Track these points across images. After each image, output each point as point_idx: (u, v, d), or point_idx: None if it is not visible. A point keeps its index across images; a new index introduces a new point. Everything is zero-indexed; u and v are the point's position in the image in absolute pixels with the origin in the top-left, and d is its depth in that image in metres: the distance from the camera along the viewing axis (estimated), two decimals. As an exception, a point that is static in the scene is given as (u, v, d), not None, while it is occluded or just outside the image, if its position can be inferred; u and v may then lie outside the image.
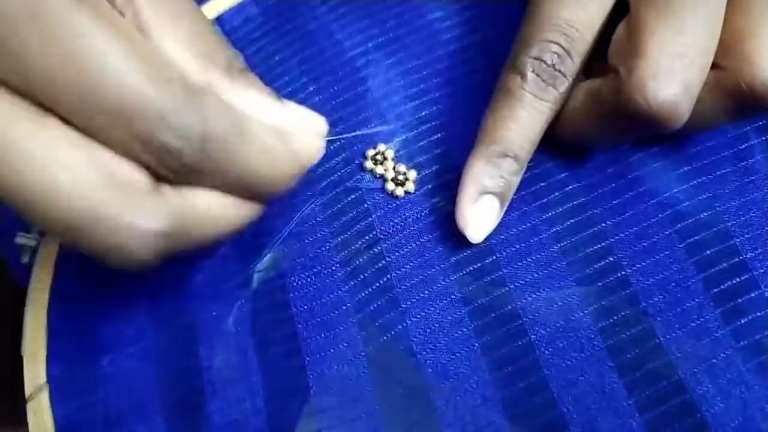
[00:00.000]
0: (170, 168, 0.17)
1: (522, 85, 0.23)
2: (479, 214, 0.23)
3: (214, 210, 0.19)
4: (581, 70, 0.23)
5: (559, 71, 0.22)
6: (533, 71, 0.22)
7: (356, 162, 0.26)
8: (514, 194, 0.24)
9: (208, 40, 0.19)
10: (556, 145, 0.25)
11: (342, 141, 0.26)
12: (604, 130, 0.23)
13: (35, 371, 0.24)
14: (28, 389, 0.24)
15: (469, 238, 0.23)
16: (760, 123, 0.26)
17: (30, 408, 0.23)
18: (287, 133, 0.19)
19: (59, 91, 0.15)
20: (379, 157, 0.26)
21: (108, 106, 0.16)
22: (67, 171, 0.16)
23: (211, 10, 0.30)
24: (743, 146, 0.25)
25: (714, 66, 0.21)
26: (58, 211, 0.16)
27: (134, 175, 0.17)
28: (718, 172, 0.25)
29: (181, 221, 0.18)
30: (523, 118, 0.23)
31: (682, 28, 0.20)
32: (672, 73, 0.20)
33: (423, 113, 0.27)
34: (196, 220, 0.18)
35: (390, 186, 0.25)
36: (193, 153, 0.17)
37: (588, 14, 0.22)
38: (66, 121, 0.16)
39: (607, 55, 0.22)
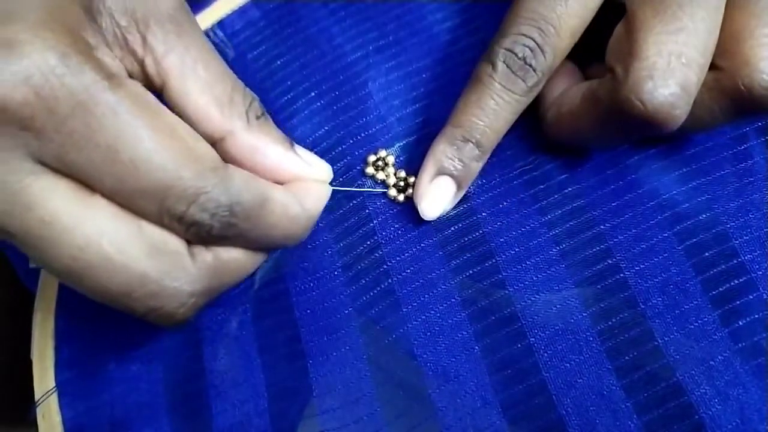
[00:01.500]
0: (200, 238, 0.19)
1: (491, 74, 0.23)
2: (434, 193, 0.24)
3: (238, 262, 0.20)
4: (554, 66, 0.23)
5: (530, 65, 0.23)
6: (504, 62, 0.23)
7: (357, 168, 0.26)
8: (513, 196, 0.25)
9: (227, 85, 0.20)
10: (555, 147, 0.25)
11: (343, 147, 0.27)
12: (602, 131, 0.23)
13: (44, 376, 0.24)
14: (37, 393, 0.24)
15: (420, 214, 0.24)
16: (759, 124, 0.25)
17: (39, 411, 0.24)
18: (300, 189, 0.21)
19: (100, 175, 0.17)
20: (380, 163, 0.26)
21: (143, 188, 0.17)
22: (114, 244, 0.17)
23: (213, 14, 0.31)
24: (742, 147, 0.25)
25: (713, 67, 0.21)
26: (107, 280, 0.17)
27: (173, 243, 0.18)
28: (717, 174, 0.25)
29: (215, 278, 0.19)
30: (488, 106, 0.23)
31: (679, 28, 0.20)
32: (668, 74, 0.20)
33: (422, 118, 0.27)
34: (225, 274, 0.20)
35: (391, 192, 0.25)
36: (221, 226, 0.18)
37: (568, 12, 0.22)
38: (109, 197, 0.18)
39: (605, 56, 0.22)
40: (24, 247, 0.17)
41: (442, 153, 0.24)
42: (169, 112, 0.18)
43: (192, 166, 0.17)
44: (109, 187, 0.17)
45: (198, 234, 0.18)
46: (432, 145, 0.24)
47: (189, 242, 0.19)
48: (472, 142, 0.23)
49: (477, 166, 0.24)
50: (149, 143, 0.17)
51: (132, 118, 0.17)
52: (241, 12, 0.31)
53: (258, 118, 0.21)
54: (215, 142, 0.20)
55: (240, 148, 0.20)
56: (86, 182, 0.17)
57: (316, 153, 0.26)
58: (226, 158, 0.20)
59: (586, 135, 0.23)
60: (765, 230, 0.24)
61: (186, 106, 0.19)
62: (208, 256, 0.19)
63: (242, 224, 0.19)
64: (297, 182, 0.21)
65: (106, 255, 0.17)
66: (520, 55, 0.23)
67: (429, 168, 0.24)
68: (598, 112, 0.22)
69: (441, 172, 0.24)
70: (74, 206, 0.17)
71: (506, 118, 0.23)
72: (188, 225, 0.18)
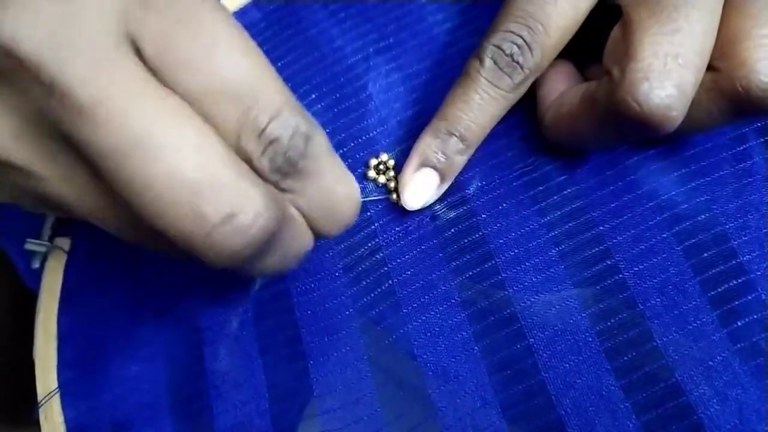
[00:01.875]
0: (272, 166, 0.17)
1: (479, 70, 0.23)
2: (417, 184, 0.24)
3: (298, 225, 0.19)
4: (543, 65, 0.23)
5: (517, 62, 0.23)
6: (491, 58, 0.23)
7: (358, 171, 0.26)
8: (513, 198, 0.25)
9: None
10: (554, 149, 0.25)
11: (344, 150, 0.27)
12: (600, 133, 0.23)
13: (47, 376, 0.25)
14: (40, 394, 0.24)
15: (403, 204, 0.25)
16: (759, 125, 0.26)
17: (42, 412, 0.24)
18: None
19: (192, 72, 0.16)
20: (381, 167, 0.26)
21: (232, 91, 0.16)
22: (189, 137, 0.16)
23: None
24: (741, 148, 0.25)
25: (710, 68, 0.21)
26: (178, 166, 0.15)
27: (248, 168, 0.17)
28: (717, 174, 0.25)
29: (280, 220, 0.17)
30: (474, 101, 0.23)
31: (674, 30, 0.20)
32: (664, 75, 0.20)
33: (423, 120, 0.27)
34: (289, 228, 0.18)
35: (393, 196, 0.25)
36: (295, 154, 0.17)
37: (558, 12, 0.22)
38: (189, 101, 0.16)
39: (602, 58, 0.22)
40: (85, 121, 0.15)
41: (427, 145, 0.24)
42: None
43: (278, 83, 0.17)
44: (195, 86, 0.16)
45: (273, 158, 0.17)
46: (419, 136, 0.25)
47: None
48: (456, 136, 0.24)
49: (461, 160, 0.24)
50: (244, 52, 0.17)
51: (231, 26, 0.17)
52: (241, 13, 0.31)
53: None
54: None
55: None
56: (170, 79, 0.16)
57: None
58: None
59: (585, 136, 0.23)
60: (764, 231, 0.24)
61: None
62: (278, 194, 0.18)
63: (310, 164, 0.18)
64: None
65: (178, 143, 0.15)
66: (507, 51, 0.23)
67: (413, 159, 0.24)
68: (596, 113, 0.22)
69: (425, 163, 0.24)
70: (152, 94, 0.16)
71: (491, 114, 0.24)
72: (267, 143, 0.17)
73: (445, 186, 0.25)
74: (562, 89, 0.24)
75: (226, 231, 0.16)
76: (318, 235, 0.20)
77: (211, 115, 0.17)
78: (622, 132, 0.22)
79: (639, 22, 0.21)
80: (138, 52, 0.16)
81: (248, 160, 0.17)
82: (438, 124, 0.24)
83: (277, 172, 0.18)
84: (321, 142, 0.18)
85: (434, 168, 0.24)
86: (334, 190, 0.19)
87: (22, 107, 0.16)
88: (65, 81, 0.15)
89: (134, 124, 0.15)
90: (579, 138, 0.24)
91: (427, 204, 0.25)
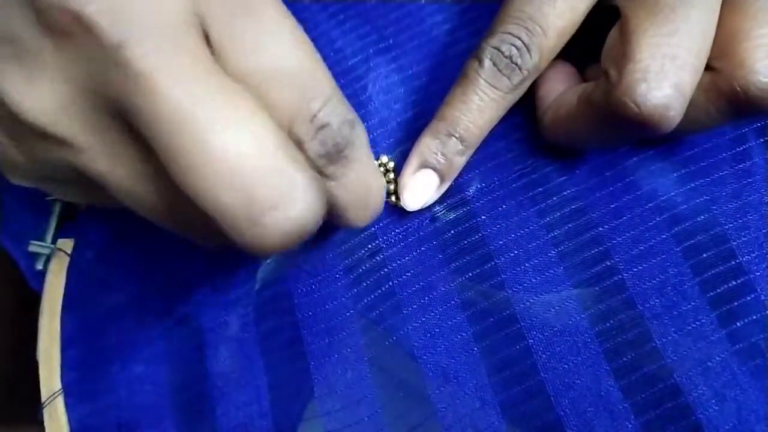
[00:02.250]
0: (323, 150, 0.18)
1: (477, 71, 0.23)
2: (416, 185, 0.24)
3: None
4: (541, 66, 0.23)
5: (516, 64, 0.23)
6: (490, 59, 0.23)
7: None
8: (512, 199, 0.25)
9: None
10: (554, 150, 0.25)
11: None
12: (598, 133, 0.23)
13: (50, 377, 0.25)
14: (44, 395, 0.25)
15: (402, 204, 0.25)
16: (758, 125, 0.25)
17: (46, 413, 0.24)
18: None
19: (258, 53, 0.17)
20: (381, 168, 0.26)
21: (292, 75, 0.17)
22: (243, 117, 0.16)
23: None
24: (741, 148, 0.25)
25: (709, 68, 0.21)
26: (233, 147, 0.15)
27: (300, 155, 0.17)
28: (716, 175, 0.25)
29: (324, 205, 0.17)
30: (472, 102, 0.24)
31: (672, 30, 0.20)
32: (662, 76, 0.20)
33: (423, 122, 0.27)
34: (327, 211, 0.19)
35: (392, 197, 0.25)
36: (343, 140, 0.18)
37: (556, 13, 0.23)
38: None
39: (601, 59, 0.23)
40: (143, 91, 0.15)
41: (426, 146, 0.24)
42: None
43: (327, 73, 0.18)
44: (255, 70, 0.17)
45: (323, 143, 0.18)
46: (419, 137, 0.25)
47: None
48: (456, 137, 0.24)
49: (460, 161, 0.24)
50: (300, 41, 0.18)
51: (288, 17, 0.18)
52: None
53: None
54: None
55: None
56: (232, 61, 0.17)
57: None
58: None
59: (583, 137, 0.24)
60: (763, 231, 0.24)
61: None
62: (323, 182, 0.18)
63: (354, 152, 0.19)
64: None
65: (235, 122, 0.15)
66: (506, 53, 0.23)
67: (413, 160, 0.25)
68: (594, 114, 0.22)
69: (424, 165, 0.24)
70: (213, 72, 0.16)
71: (490, 115, 0.24)
72: (318, 127, 0.17)
73: (445, 187, 0.25)
74: (561, 90, 0.24)
75: (275, 218, 0.16)
76: (346, 224, 0.21)
77: (267, 99, 0.17)
78: (620, 132, 0.22)
79: (637, 23, 0.21)
80: (203, 34, 0.17)
81: (298, 144, 0.18)
82: (437, 125, 0.24)
83: (325, 157, 0.18)
84: (363, 132, 0.19)
85: (434, 169, 0.24)
86: (369, 180, 0.20)
87: (78, 78, 0.16)
88: (131, 48, 0.15)
89: (193, 98, 0.15)
90: (577, 138, 0.24)
91: (427, 205, 0.25)
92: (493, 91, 0.23)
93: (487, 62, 0.23)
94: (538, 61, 0.23)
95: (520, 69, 0.23)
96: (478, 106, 0.24)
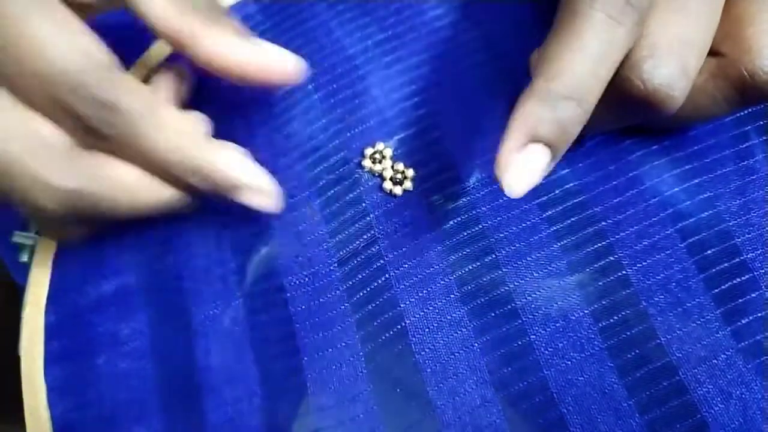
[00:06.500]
0: (89, 136, 0.20)
1: (591, 4, 0.19)
2: (523, 165, 0.19)
3: (128, 182, 0.21)
4: (644, 17, 0.20)
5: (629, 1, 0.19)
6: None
7: (354, 161, 0.26)
8: None
9: None
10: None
11: (341, 140, 0.26)
12: (600, 112, 0.22)
13: (32, 371, 0.24)
14: (25, 390, 0.24)
15: (504, 190, 0.20)
16: (762, 123, 0.25)
17: (27, 408, 0.23)
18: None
19: (7, 62, 0.19)
20: (377, 155, 0.25)
21: (36, 71, 0.19)
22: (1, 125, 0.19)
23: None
24: (745, 145, 0.25)
25: (716, 53, 0.21)
26: None
27: (55, 137, 0.20)
28: (720, 171, 0.24)
29: (91, 183, 0.20)
30: (591, 47, 0.18)
31: (685, 11, 0.20)
32: (670, 55, 0.19)
33: (422, 111, 0.26)
34: (107, 186, 0.21)
35: (388, 185, 0.25)
36: (100, 124, 0.20)
37: None
38: (14, 91, 0.20)
39: None
40: None
41: (533, 114, 0.19)
42: (65, 7, 0.20)
43: (80, 60, 0.19)
44: (11, 73, 0.19)
45: (85, 130, 0.20)
46: (517, 104, 0.20)
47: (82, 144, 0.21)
48: (574, 99, 0.19)
49: (577, 129, 0.19)
50: (47, 31, 0.19)
51: (33, 6, 0.19)
52: (238, 6, 0.30)
53: (219, 18, 0.22)
54: (183, 48, 0.22)
55: (204, 49, 0.22)
56: None
57: (311, 146, 0.26)
58: (199, 63, 0.22)
59: None
60: (767, 228, 0.23)
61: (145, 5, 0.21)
62: (90, 159, 0.21)
63: (123, 127, 0.20)
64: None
65: None
66: None
67: (515, 134, 0.19)
68: None
69: (532, 138, 0.19)
70: None
71: (614, 60, 0.19)
72: (74, 117, 0.20)
73: (554, 164, 0.20)
74: None
75: (28, 206, 0.20)
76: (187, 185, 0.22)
77: (29, 98, 0.20)
78: (622, 111, 0.22)
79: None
80: None
81: (71, 130, 0.20)
82: (546, 86, 0.19)
83: (98, 142, 0.20)
84: (130, 104, 0.20)
85: (545, 142, 0.19)
86: (169, 140, 0.21)
87: None
88: None
89: None
90: None
91: (532, 187, 0.20)
92: (616, 28, 0.18)
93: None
94: (647, 6, 0.19)
95: (632, 6, 0.19)
96: (599, 53, 0.19)
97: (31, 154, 0.19)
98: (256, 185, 0.22)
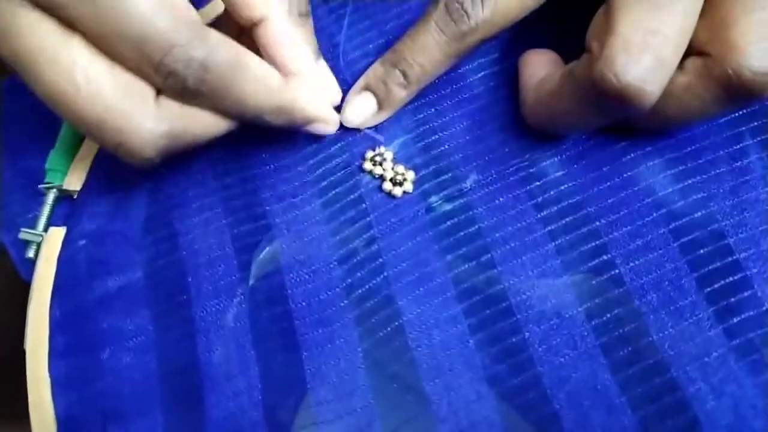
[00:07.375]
0: (177, 91, 0.21)
1: (431, 13, 0.24)
2: (355, 104, 0.26)
3: (204, 118, 0.22)
4: (493, 23, 0.24)
5: (465, 11, 0.23)
6: (444, 3, 0.24)
7: (356, 163, 0.26)
8: (509, 193, 0.25)
9: None
10: (551, 144, 0.25)
11: (342, 143, 0.27)
12: (579, 111, 0.23)
13: (37, 366, 0.24)
14: (30, 384, 0.24)
15: (342, 120, 0.26)
16: (755, 124, 0.26)
17: (32, 402, 0.24)
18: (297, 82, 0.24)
19: (87, 19, 0.19)
20: (378, 158, 0.26)
21: (123, 34, 0.19)
22: (85, 77, 0.20)
23: (211, 11, 0.31)
24: (738, 146, 0.25)
25: (702, 54, 0.21)
26: (80, 108, 0.20)
27: (140, 87, 0.21)
28: (713, 172, 0.25)
29: (178, 123, 0.21)
30: (420, 40, 0.25)
31: (656, 6, 0.20)
32: (643, 49, 0.20)
33: (421, 115, 0.27)
34: (189, 123, 0.22)
35: (388, 186, 0.25)
36: (194, 81, 0.20)
37: None
38: (93, 43, 0.20)
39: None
40: (16, 70, 0.20)
41: (373, 71, 0.26)
42: None
43: (170, 21, 0.19)
44: (92, 29, 0.19)
45: (174, 86, 0.20)
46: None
47: (165, 94, 0.21)
48: (399, 70, 0.25)
49: (401, 94, 0.26)
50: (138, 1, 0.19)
51: None
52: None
53: (301, 15, 0.24)
54: (251, 25, 0.23)
55: (271, 36, 0.23)
56: (71, 23, 0.19)
57: (313, 150, 0.27)
58: (258, 43, 0.23)
59: (565, 116, 0.23)
60: (760, 229, 0.24)
61: None
62: (174, 105, 0.21)
63: (215, 82, 0.21)
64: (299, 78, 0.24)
65: (76, 85, 0.20)
66: (459, 0, 0.23)
67: (360, 81, 0.26)
68: (575, 90, 0.22)
69: (366, 87, 0.26)
70: (56, 41, 0.19)
71: (435, 58, 0.24)
72: (165, 75, 0.20)
73: (383, 116, 0.26)
74: (545, 74, 0.24)
75: (123, 153, 0.21)
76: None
77: (113, 53, 0.20)
78: (599, 109, 0.22)
79: (622, 0, 0.21)
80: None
81: (159, 85, 0.21)
82: (388, 55, 0.26)
83: (181, 96, 0.21)
84: (222, 60, 0.21)
85: (374, 94, 0.26)
86: (251, 94, 0.22)
87: None
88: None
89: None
90: (559, 119, 0.24)
91: (364, 127, 0.27)
92: (440, 34, 0.24)
93: (441, 6, 0.24)
94: (489, 16, 0.23)
95: (468, 18, 0.23)
96: (423, 47, 0.24)
97: (124, 100, 0.20)
98: (323, 118, 0.25)
